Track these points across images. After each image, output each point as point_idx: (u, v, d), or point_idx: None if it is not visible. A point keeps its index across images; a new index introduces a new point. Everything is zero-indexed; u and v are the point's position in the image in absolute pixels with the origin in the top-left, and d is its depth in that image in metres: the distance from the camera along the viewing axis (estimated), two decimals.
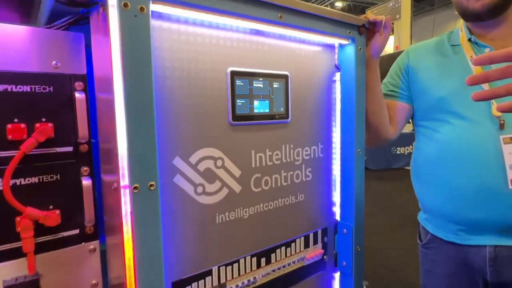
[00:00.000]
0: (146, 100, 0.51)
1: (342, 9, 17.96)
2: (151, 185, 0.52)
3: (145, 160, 0.51)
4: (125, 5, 0.47)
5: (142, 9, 0.49)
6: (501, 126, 0.76)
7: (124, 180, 0.50)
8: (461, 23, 0.90)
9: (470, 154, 0.79)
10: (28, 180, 0.53)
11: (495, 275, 0.81)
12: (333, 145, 0.89)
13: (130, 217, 0.50)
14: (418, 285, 1.05)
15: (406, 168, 5.39)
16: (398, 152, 6.03)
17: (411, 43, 11.31)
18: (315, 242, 0.87)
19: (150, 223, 0.52)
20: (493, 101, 0.79)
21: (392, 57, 8.26)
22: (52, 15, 0.61)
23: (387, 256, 2.77)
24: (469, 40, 0.85)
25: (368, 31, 0.84)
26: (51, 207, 0.55)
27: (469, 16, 0.84)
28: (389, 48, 16.71)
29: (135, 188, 0.50)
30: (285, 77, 0.76)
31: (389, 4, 11.84)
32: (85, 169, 0.58)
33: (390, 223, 3.55)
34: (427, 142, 0.91)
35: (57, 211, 0.56)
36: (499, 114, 0.77)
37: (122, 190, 0.50)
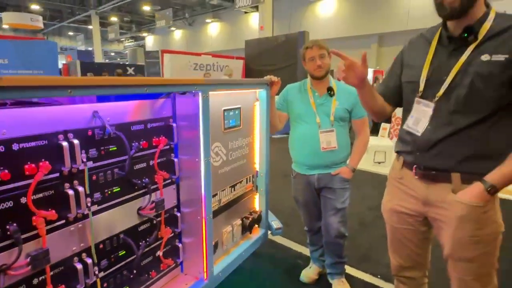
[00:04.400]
0: (207, 127, 1.39)
1: None
2: (208, 158, 1.41)
3: (206, 149, 1.40)
4: (203, 95, 1.33)
5: (208, 96, 1.36)
6: (319, 126, 1.91)
7: (200, 157, 1.38)
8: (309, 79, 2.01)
9: (308, 137, 1.92)
10: (159, 159, 1.34)
11: (318, 184, 2.00)
12: (255, 135, 1.90)
13: (203, 170, 1.39)
14: (297, 212, 2.20)
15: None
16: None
17: (272, 23, 12.98)
18: (249, 181, 1.89)
19: (208, 173, 1.42)
20: (317, 115, 1.93)
21: (259, 41, 9.52)
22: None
23: (278, 197, 4.07)
24: (310, 88, 1.97)
25: (271, 84, 1.85)
26: (164, 171, 1.37)
27: (313, 78, 1.95)
28: (255, 28, 18.24)
29: (206, 160, 1.39)
30: (239, 108, 1.70)
31: None
32: (172, 154, 1.41)
33: (276, 175, 4.91)
34: (294, 132, 2.02)
35: (165, 172, 1.38)
36: (319, 121, 1.92)
37: (201, 162, 1.38)
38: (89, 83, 0.89)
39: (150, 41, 31.60)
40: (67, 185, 1.01)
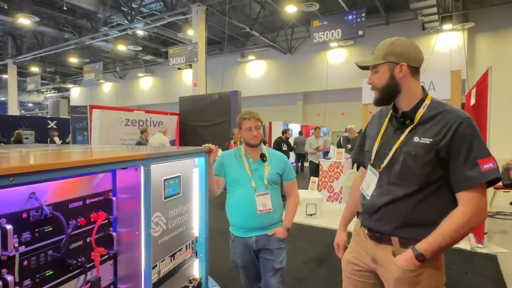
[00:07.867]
0: (148, 199, 1.41)
1: (144, 38, 19.03)
2: (149, 230, 1.42)
3: (147, 221, 1.41)
4: (145, 169, 1.38)
5: (149, 169, 1.41)
6: (255, 190, 2.05)
7: (141, 229, 1.38)
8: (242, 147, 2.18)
9: (245, 201, 2.04)
10: (97, 235, 1.31)
11: (256, 246, 2.08)
12: (194, 201, 1.95)
13: (144, 243, 1.39)
14: (235, 273, 2.22)
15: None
16: None
17: (206, 80, 13.48)
18: (189, 248, 1.89)
19: (148, 246, 1.42)
20: (252, 179, 2.07)
21: (193, 98, 9.85)
22: None
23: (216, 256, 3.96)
24: (245, 154, 2.13)
25: (209, 152, 1.97)
26: (101, 247, 1.33)
27: (249, 146, 2.12)
28: (189, 83, 18.72)
29: (147, 232, 1.39)
30: (179, 176, 1.76)
31: (188, 47, 13.44)
32: (110, 228, 1.39)
33: (214, 233, 4.80)
34: (231, 196, 2.12)
35: (102, 248, 1.34)
36: (254, 185, 2.06)
37: (141, 234, 1.38)
38: (32, 169, 0.90)
39: (76, 92, 30.13)
40: None
